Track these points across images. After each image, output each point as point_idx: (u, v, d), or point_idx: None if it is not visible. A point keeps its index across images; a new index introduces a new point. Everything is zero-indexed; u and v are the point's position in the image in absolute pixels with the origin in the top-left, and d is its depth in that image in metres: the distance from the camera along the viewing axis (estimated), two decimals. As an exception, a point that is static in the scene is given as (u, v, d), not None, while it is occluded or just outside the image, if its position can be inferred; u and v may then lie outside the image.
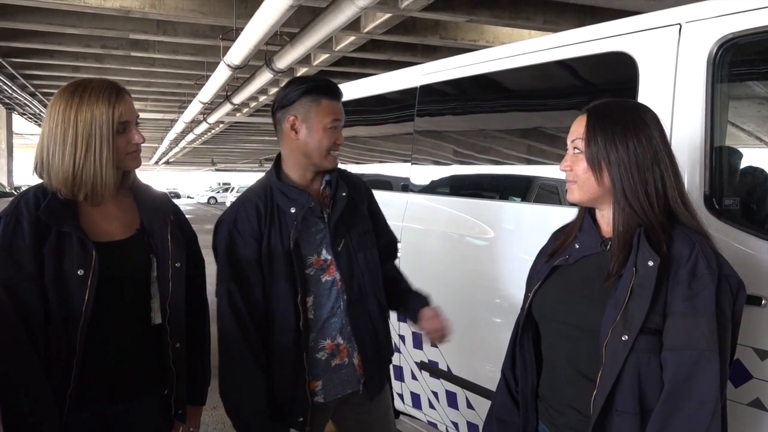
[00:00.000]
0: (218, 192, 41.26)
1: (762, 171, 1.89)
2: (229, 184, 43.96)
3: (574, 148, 1.32)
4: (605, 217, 1.33)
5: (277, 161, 1.72)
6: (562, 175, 1.40)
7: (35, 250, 1.37)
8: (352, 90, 3.48)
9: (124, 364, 1.49)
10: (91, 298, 1.39)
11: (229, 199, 33.59)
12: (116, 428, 1.49)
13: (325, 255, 1.68)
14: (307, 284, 1.64)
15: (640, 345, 1.19)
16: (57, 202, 1.42)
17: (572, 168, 1.32)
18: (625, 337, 1.19)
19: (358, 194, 1.79)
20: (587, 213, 1.38)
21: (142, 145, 1.52)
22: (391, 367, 1.85)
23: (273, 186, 1.67)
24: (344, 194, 1.70)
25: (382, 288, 1.80)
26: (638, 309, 1.18)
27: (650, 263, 1.19)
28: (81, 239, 1.40)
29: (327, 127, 1.63)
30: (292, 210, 1.63)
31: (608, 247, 1.30)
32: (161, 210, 1.59)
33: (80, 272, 1.38)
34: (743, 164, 1.88)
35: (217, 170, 55.01)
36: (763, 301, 1.56)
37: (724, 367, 1.17)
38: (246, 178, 45.39)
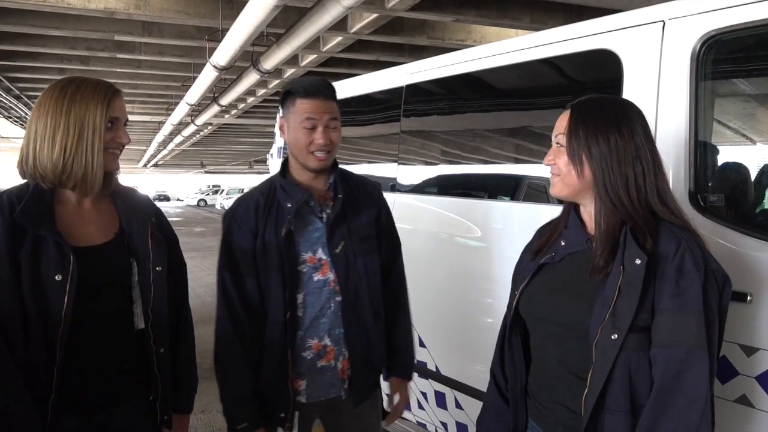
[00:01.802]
0: (208, 194, 40.99)
1: (746, 167, 1.89)
2: (219, 186, 43.73)
3: (557, 143, 1.34)
4: (589, 213, 1.33)
5: (286, 160, 1.78)
6: (543, 173, 1.39)
7: (11, 256, 1.34)
8: (338, 90, 3.46)
9: (106, 371, 1.46)
10: (71, 304, 1.36)
11: (219, 201, 33.42)
12: (101, 435, 1.46)
13: (321, 254, 1.69)
14: (297, 280, 1.66)
15: (629, 343, 1.19)
16: (34, 204, 1.39)
17: (555, 162, 1.33)
18: (614, 336, 1.19)
19: (366, 200, 1.81)
20: (572, 209, 1.37)
21: (130, 148, 1.51)
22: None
23: (276, 182, 1.73)
24: (340, 196, 1.71)
25: (380, 296, 1.79)
26: (627, 307, 1.18)
27: (638, 261, 1.19)
28: (58, 243, 1.37)
29: (301, 126, 1.65)
30: (288, 204, 1.67)
31: (594, 243, 1.30)
32: (141, 213, 1.57)
33: (58, 277, 1.35)
34: (727, 161, 1.89)
35: (206, 172, 54.72)
36: (749, 297, 1.56)
37: (712, 363, 1.17)
38: (236, 180, 45.21)
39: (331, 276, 1.69)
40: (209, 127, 20.08)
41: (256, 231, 1.67)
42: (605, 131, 1.25)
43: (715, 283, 1.20)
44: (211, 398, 4.11)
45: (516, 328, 1.44)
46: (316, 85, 1.67)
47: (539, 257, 1.40)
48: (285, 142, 1.77)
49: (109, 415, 1.47)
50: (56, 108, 1.40)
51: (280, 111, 1.75)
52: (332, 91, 1.70)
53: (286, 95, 1.70)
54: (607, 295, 1.21)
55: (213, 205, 36.04)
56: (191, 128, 17.36)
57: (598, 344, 1.21)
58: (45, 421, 1.36)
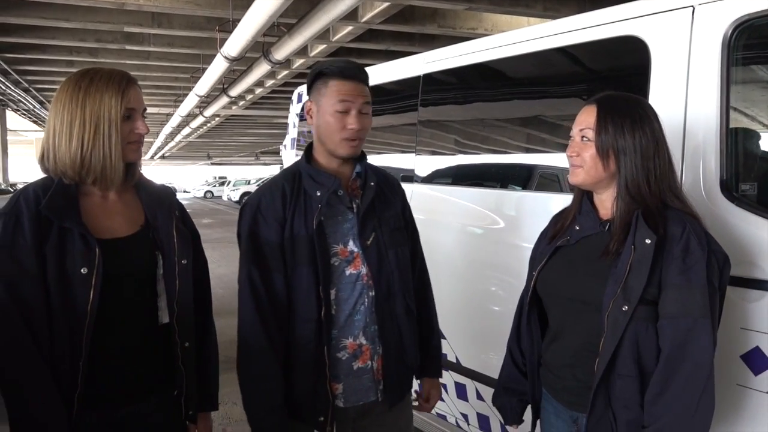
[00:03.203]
0: (214, 186, 41.13)
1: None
2: (226, 177, 43.80)
3: (583, 136, 1.43)
4: (603, 201, 1.47)
5: (309, 146, 1.69)
6: (566, 164, 1.48)
7: (37, 249, 1.33)
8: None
9: (132, 365, 1.45)
10: (96, 297, 1.34)
11: (226, 192, 33.46)
12: (127, 430, 1.45)
13: (352, 247, 1.61)
14: (330, 275, 1.57)
15: (638, 314, 1.32)
16: (59, 197, 1.38)
17: (579, 154, 1.43)
18: (625, 308, 1.31)
19: (392, 191, 1.74)
20: (585, 196, 1.50)
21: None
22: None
23: (302, 169, 1.64)
24: (372, 184, 1.64)
25: (412, 290, 1.73)
26: (637, 282, 1.31)
27: (648, 241, 1.32)
28: (83, 236, 1.36)
29: (335, 110, 1.56)
30: (318, 193, 1.58)
31: (608, 227, 1.43)
32: (166, 205, 1.55)
33: (84, 270, 1.34)
34: (761, 149, 1.85)
35: (213, 164, 54.83)
36: (784, 289, 1.53)
37: (713, 333, 1.31)
38: (242, 172, 45.34)
39: (363, 270, 1.60)
40: (217, 119, 20.13)
41: (283, 221, 1.56)
42: (632, 128, 1.38)
43: (716, 262, 1.32)
44: (227, 390, 4.11)
45: (534, 307, 1.57)
46: (351, 66, 1.59)
47: (555, 241, 1.53)
48: (311, 127, 1.67)
49: (134, 410, 1.46)
50: (72, 102, 1.38)
51: (304, 96, 1.72)
52: (366, 75, 1.62)
53: (316, 77, 1.60)
54: (619, 272, 1.34)
55: (219, 197, 36.16)
56: (199, 120, 17.41)
57: (610, 315, 1.33)
58: (71, 415, 1.35)
